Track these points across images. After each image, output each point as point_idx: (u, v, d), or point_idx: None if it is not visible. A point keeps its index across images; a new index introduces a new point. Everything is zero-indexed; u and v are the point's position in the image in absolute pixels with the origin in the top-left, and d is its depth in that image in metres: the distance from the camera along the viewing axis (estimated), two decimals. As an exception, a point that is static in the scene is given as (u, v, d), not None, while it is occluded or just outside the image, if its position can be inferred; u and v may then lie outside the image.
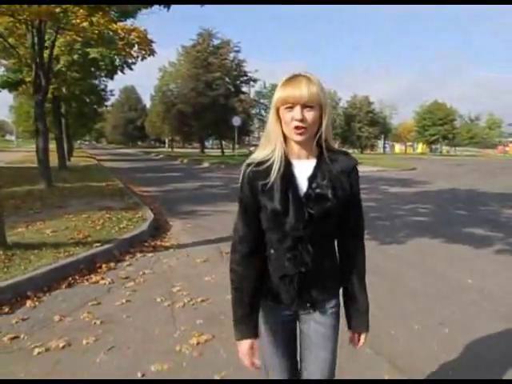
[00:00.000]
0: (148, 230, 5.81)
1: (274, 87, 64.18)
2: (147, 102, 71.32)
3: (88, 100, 21.20)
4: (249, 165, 1.33)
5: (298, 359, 1.51)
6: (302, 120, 1.23)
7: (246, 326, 1.36)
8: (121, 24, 9.81)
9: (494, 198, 11.15)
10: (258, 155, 1.33)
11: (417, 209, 9.07)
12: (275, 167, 1.28)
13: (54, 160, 22.65)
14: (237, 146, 44.37)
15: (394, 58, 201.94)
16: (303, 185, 1.31)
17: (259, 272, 1.37)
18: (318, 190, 1.29)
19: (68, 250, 4.45)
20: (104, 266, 4.37)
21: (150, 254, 5.01)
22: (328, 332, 1.42)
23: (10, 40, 9.96)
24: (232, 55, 36.81)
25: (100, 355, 2.64)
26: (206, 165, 24.65)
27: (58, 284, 3.83)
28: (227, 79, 36.22)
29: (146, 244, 5.42)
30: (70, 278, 3.97)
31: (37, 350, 2.68)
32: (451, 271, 4.57)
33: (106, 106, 27.98)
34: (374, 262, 4.37)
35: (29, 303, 3.41)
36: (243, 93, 38.39)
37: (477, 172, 21.91)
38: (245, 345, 1.35)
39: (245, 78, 37.74)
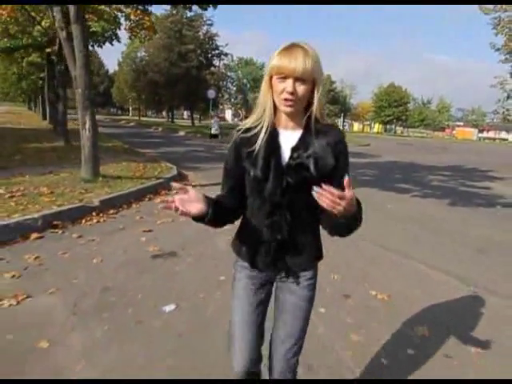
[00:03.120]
0: (177, 174, 8.14)
1: (240, 61, 65.44)
2: (110, 67, 70.36)
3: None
4: (238, 130, 1.38)
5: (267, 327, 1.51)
6: (293, 93, 1.23)
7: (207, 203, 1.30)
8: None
9: (425, 168, 14.31)
10: (248, 121, 1.37)
11: (366, 172, 11.91)
12: (261, 135, 1.32)
13: (32, 122, 23.36)
14: (217, 118, 45.91)
15: (355, 39, 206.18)
16: (286, 154, 1.33)
17: (231, 209, 1.43)
18: (298, 160, 1.30)
19: (137, 181, 6.73)
20: (163, 191, 6.70)
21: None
22: (301, 303, 1.44)
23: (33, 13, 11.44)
24: (205, 28, 37.96)
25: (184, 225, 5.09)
26: (182, 133, 26.50)
27: (143, 198, 6.15)
28: (199, 51, 37.49)
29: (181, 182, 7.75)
30: (147, 197, 6.29)
31: (159, 222, 5.05)
32: (381, 203, 7.32)
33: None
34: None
35: (134, 205, 5.74)
36: (214, 66, 39.89)
37: (421, 150, 25.53)
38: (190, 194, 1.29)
39: (216, 51, 39.11)
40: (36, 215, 4.35)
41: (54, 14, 6.02)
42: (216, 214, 1.31)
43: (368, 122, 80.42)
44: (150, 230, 4.70)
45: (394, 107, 62.43)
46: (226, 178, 1.46)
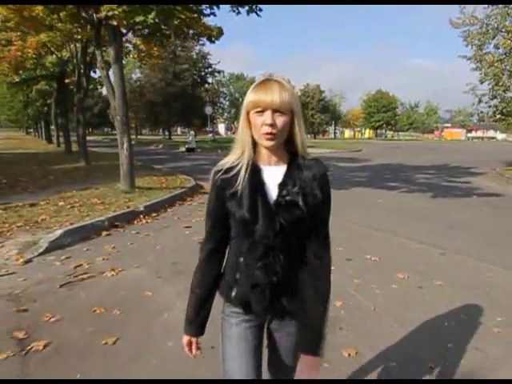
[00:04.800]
0: (196, 184, 9.38)
1: (232, 76, 67.34)
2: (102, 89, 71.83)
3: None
4: (217, 172, 1.31)
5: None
6: (273, 125, 1.19)
7: (191, 325, 1.42)
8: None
9: (412, 168, 15.66)
10: (227, 161, 1.31)
11: (358, 175, 13.21)
12: (242, 174, 1.26)
13: (39, 146, 24.27)
14: (192, 132, 47.35)
15: (339, 47, 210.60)
16: (273, 192, 1.27)
17: (214, 279, 1.41)
18: (288, 198, 1.25)
19: (166, 190, 7.95)
20: (188, 198, 7.91)
21: (206, 195, 8.61)
22: (294, 343, 1.41)
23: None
24: (198, 48, 39.62)
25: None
26: (182, 149, 27.73)
27: (174, 204, 7.37)
28: (193, 70, 39.08)
29: (200, 191, 8.99)
30: (177, 203, 7.50)
31: (193, 220, 6.25)
32: (372, 199, 8.58)
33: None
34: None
35: (169, 210, 6.96)
36: (208, 83, 41.51)
37: (409, 152, 26.96)
38: (186, 339, 1.43)
39: (209, 69, 40.74)
40: (103, 218, 5.57)
41: (97, 56, 7.22)
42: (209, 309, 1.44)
43: (359, 129, 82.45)
44: (189, 226, 5.91)
45: (382, 112, 64.41)
46: (209, 224, 1.40)
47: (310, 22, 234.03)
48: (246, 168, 1.26)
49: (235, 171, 1.27)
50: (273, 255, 1.28)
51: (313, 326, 1.32)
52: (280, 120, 1.21)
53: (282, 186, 1.27)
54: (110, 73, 7.60)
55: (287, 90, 1.22)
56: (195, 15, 6.89)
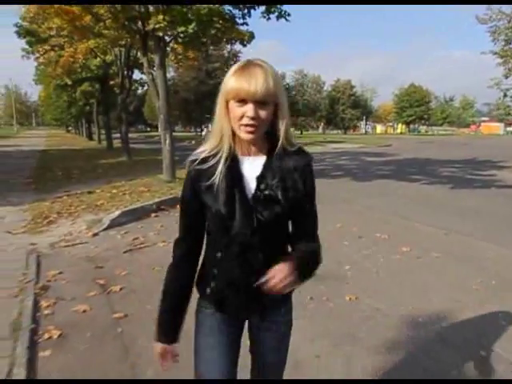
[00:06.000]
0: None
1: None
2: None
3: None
4: (192, 161, 1.21)
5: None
6: (255, 118, 1.08)
7: (163, 331, 1.31)
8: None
9: (439, 162, 15.92)
10: (202, 150, 1.22)
11: (382, 168, 13.71)
12: (220, 166, 1.16)
13: (81, 143, 25.93)
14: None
15: (371, 42, 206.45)
16: (251, 185, 1.18)
17: (188, 280, 1.31)
18: (266, 192, 1.16)
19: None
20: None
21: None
22: (279, 340, 1.36)
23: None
24: (229, 46, 40.63)
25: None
26: (214, 145, 28.83)
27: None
28: (225, 68, 40.12)
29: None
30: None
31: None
32: (392, 189, 9.17)
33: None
34: (351, 187, 8.98)
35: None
36: (239, 81, 42.47)
37: (440, 147, 26.82)
38: (158, 347, 1.30)
39: (240, 67, 41.64)
40: (151, 202, 6.54)
41: (144, 62, 8.23)
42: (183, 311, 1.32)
43: (391, 124, 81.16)
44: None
45: (415, 107, 63.23)
46: (184, 218, 1.29)
47: (343, 17, 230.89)
48: (222, 159, 1.17)
49: (212, 162, 1.17)
50: (251, 254, 1.20)
51: (304, 256, 1.23)
52: (263, 112, 1.10)
53: (260, 178, 1.17)
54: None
55: (272, 77, 1.10)
56: (229, 24, 7.72)
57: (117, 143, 22.90)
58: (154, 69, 8.41)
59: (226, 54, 40.50)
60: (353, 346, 2.65)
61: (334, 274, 3.86)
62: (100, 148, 22.90)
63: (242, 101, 1.09)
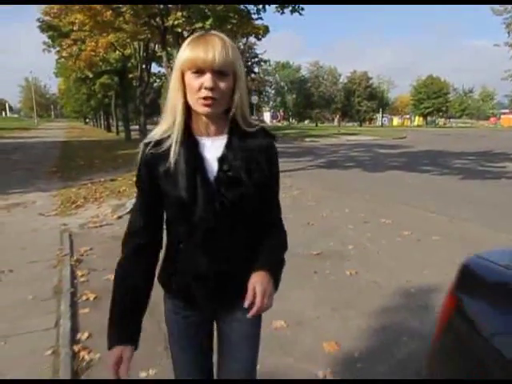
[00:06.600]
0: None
1: (277, 65, 67.95)
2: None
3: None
4: (146, 144, 1.11)
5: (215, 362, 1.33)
6: (213, 88, 1.01)
7: (120, 330, 1.14)
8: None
9: (453, 154, 15.98)
10: (156, 132, 1.12)
11: (395, 160, 13.89)
12: (174, 147, 1.07)
13: (100, 135, 26.71)
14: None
15: (388, 32, 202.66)
16: (213, 167, 1.10)
17: (147, 272, 1.19)
18: (230, 173, 1.09)
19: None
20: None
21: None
22: (249, 329, 1.26)
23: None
24: (244, 38, 40.76)
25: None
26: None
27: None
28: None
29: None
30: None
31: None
32: (402, 180, 9.42)
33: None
34: (362, 177, 9.25)
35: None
36: (255, 73, 42.69)
37: (457, 140, 26.66)
38: (116, 353, 1.09)
39: (256, 59, 41.88)
40: (170, 189, 6.97)
41: (163, 57, 8.65)
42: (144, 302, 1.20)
43: (408, 116, 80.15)
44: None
45: (433, 99, 62.33)
46: (140, 204, 1.19)
47: (361, 7, 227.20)
48: (178, 140, 1.08)
49: (167, 144, 1.09)
50: (216, 241, 1.13)
51: (273, 255, 1.20)
52: (222, 83, 1.02)
53: (222, 160, 1.10)
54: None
55: (230, 46, 1.04)
56: (245, 19, 8.05)
57: (134, 135, 23.65)
58: (172, 62, 8.85)
59: (242, 47, 40.65)
60: (349, 310, 3.02)
61: (338, 253, 4.23)
62: (118, 139, 23.54)
63: (199, 71, 1.01)
